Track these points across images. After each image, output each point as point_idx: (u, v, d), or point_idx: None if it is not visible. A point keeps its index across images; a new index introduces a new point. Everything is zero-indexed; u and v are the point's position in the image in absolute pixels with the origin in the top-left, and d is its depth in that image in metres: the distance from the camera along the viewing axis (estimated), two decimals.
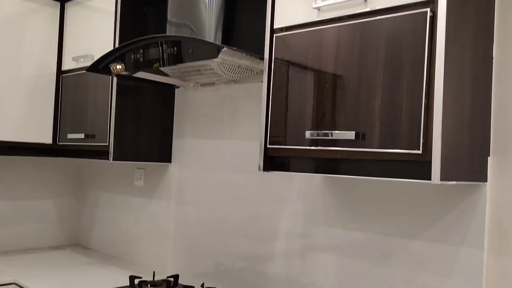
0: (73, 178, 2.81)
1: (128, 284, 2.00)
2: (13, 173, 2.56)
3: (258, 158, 1.90)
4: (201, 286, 1.91)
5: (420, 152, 1.11)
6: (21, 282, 1.99)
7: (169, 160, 2.25)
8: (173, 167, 2.25)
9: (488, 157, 1.30)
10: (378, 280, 1.51)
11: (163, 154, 2.23)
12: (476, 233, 1.31)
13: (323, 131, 1.28)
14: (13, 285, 2.03)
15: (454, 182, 1.14)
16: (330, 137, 1.26)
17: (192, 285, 1.97)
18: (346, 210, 1.61)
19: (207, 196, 2.08)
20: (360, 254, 1.56)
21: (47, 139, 2.34)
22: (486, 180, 1.29)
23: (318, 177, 1.69)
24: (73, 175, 2.81)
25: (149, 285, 1.90)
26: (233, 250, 1.96)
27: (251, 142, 1.91)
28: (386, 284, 1.49)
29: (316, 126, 1.31)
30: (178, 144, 2.23)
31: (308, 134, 1.30)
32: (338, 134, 1.24)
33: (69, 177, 2.79)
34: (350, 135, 1.21)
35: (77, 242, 2.80)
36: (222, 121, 2.05)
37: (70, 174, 2.80)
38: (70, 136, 2.25)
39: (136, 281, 1.95)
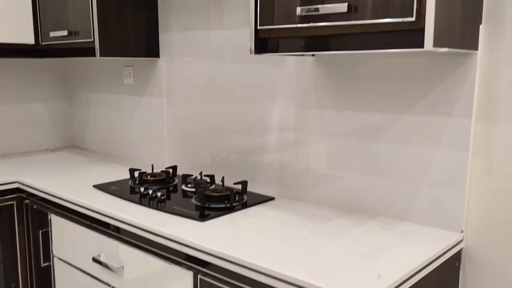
0: (62, 80, 2.78)
1: (128, 176, 2.07)
2: (0, 77, 2.52)
3: (246, 47, 1.88)
4: (199, 174, 1.99)
5: (413, 19, 1.10)
6: (24, 180, 2.05)
7: (157, 55, 2.21)
8: (162, 63, 2.22)
9: (480, 25, 1.30)
10: (369, 156, 1.57)
11: (151, 48, 2.18)
12: (465, 102, 1.35)
13: (315, 6, 1.25)
14: (16, 184, 2.09)
15: (446, 49, 1.14)
16: (321, 12, 1.23)
17: (191, 173, 2.05)
18: (338, 91, 1.63)
19: (198, 91, 2.08)
20: (352, 134, 1.61)
21: (29, 39, 2.27)
22: (477, 49, 1.30)
23: (309, 60, 1.69)
24: (61, 77, 2.77)
25: (149, 176, 1.97)
26: (227, 144, 2.00)
27: (239, 31, 1.87)
28: (376, 158, 1.56)
29: (308, 1, 1.27)
30: (165, 38, 2.18)
31: (299, 10, 1.28)
32: (330, 8, 1.22)
33: (57, 79, 2.76)
34: (342, 7, 1.19)
35: (72, 144, 2.84)
36: (208, 11, 1.98)
37: (59, 76, 2.76)
38: (52, 34, 2.18)
39: (136, 173, 2.02)
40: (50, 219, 1.97)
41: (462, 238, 1.40)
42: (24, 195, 2.12)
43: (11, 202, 2.11)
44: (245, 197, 1.77)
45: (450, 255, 1.35)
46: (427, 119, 1.43)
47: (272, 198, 1.79)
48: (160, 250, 1.51)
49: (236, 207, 1.67)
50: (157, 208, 1.66)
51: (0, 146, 2.53)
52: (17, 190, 2.10)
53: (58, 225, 1.93)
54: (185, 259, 1.43)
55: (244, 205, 1.69)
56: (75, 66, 2.75)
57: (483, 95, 1.33)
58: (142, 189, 1.81)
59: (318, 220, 1.53)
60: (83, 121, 2.75)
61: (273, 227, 1.48)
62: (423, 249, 1.28)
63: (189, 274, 1.42)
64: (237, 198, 1.74)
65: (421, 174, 1.46)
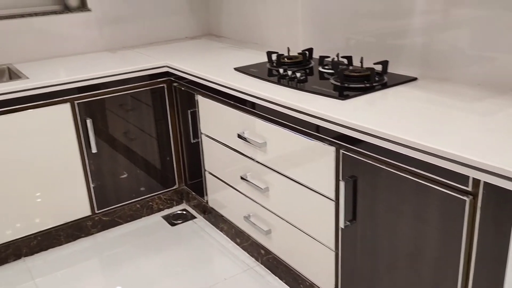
0: None
1: (265, 60, 2.13)
2: None
3: None
4: (336, 55, 1.96)
5: None
6: (173, 64, 2.22)
7: None
8: None
9: None
10: None
11: None
12: None
13: None
14: (165, 68, 2.28)
15: None
16: None
17: (328, 55, 2.03)
18: None
19: None
20: (507, 4, 1.43)
21: None
22: None
23: None
24: None
25: (286, 58, 2.00)
26: (364, 27, 1.92)
27: None
28: None
29: None
30: None
31: None
32: None
33: None
34: None
35: (209, 32, 2.95)
36: None
37: None
38: None
39: (274, 56, 2.06)
40: (197, 100, 2.14)
41: None
42: (172, 78, 2.31)
43: (162, 85, 2.32)
44: (385, 77, 1.73)
45: None
46: None
47: (415, 79, 1.72)
48: (302, 127, 1.57)
49: (376, 87, 1.64)
50: (296, 88, 1.70)
51: (147, 35, 2.74)
52: (166, 74, 2.30)
53: (205, 105, 2.10)
54: (327, 135, 1.48)
55: (384, 85, 1.66)
56: None
57: None
58: (281, 70, 1.86)
59: (467, 99, 1.45)
60: (219, 9, 2.82)
61: (417, 105, 1.44)
62: None
63: (331, 149, 1.48)
64: (377, 78, 1.70)
65: None
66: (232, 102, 1.90)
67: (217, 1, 2.80)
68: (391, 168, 1.29)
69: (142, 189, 2.41)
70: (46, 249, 2.21)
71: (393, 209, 1.32)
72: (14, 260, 2.14)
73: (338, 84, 1.69)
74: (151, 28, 2.74)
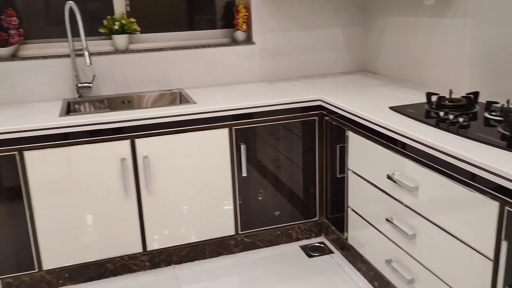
0: (359, 6, 2.87)
1: (424, 101, 2.05)
2: (303, 6, 2.77)
3: None
4: (506, 102, 1.81)
5: None
6: (326, 99, 2.27)
7: None
8: None
9: None
10: None
11: None
12: None
13: None
14: (318, 101, 2.33)
15: None
16: None
17: (497, 100, 1.89)
18: None
19: None
20: None
21: None
22: None
23: None
24: (359, 2, 2.86)
25: (447, 101, 1.90)
26: None
27: None
28: None
29: None
30: None
31: None
32: None
33: (355, 5, 2.86)
34: None
35: (364, 68, 2.95)
36: None
37: (356, 2, 2.86)
38: None
39: (434, 97, 1.98)
40: (347, 135, 2.14)
41: None
42: (324, 112, 2.35)
43: (314, 118, 2.38)
44: None
45: None
46: None
47: None
48: (462, 176, 1.47)
49: None
50: (457, 134, 1.61)
51: (303, 68, 2.85)
52: (319, 107, 2.35)
53: (355, 141, 2.09)
54: (490, 188, 1.37)
55: None
56: None
57: None
58: (441, 113, 1.77)
59: None
60: (377, 46, 2.81)
61: None
62: None
63: (495, 205, 1.35)
64: None
65: None
66: (384, 142, 1.87)
67: (376, 38, 2.80)
68: None
69: (283, 216, 2.47)
70: (193, 260, 2.39)
71: None
72: (165, 266, 2.36)
73: (508, 133, 1.55)
74: (307, 61, 2.85)
